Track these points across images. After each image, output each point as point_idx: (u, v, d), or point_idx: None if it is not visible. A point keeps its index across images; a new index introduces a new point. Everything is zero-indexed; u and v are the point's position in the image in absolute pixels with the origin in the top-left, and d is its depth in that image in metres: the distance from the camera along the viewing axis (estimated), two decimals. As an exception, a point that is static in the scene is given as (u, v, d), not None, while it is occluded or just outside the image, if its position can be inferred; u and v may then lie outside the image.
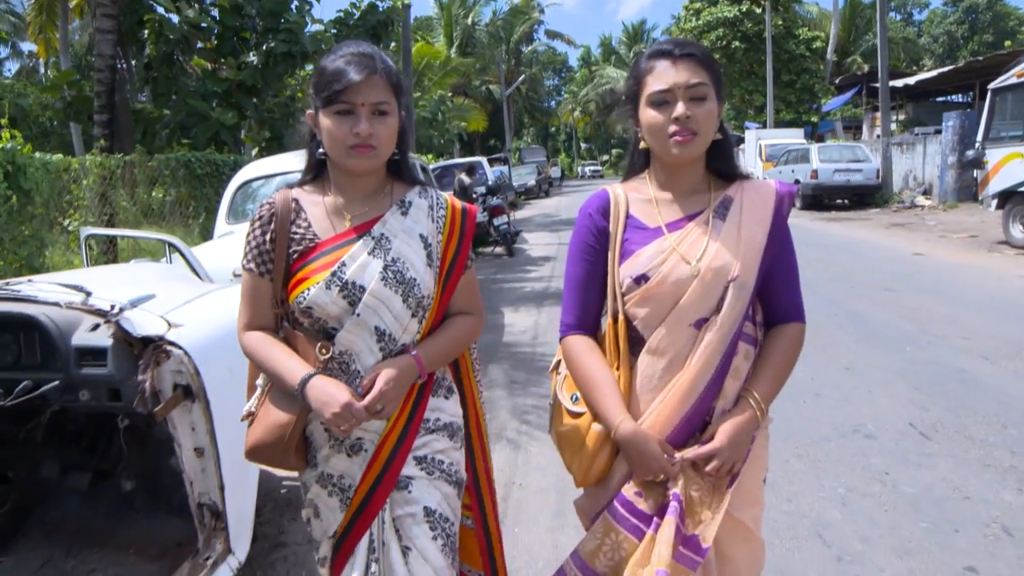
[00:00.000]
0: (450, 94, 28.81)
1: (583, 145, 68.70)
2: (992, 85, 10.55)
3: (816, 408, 4.14)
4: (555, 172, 41.88)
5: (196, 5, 9.99)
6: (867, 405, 4.17)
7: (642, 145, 1.52)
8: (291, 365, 1.44)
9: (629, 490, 1.45)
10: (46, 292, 2.24)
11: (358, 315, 1.44)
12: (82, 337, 2.09)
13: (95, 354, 2.06)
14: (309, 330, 1.49)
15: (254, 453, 1.51)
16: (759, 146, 22.25)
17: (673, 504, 1.38)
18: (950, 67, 22.76)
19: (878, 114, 20.58)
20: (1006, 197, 9.88)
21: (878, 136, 19.98)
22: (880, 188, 17.48)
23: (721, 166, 1.52)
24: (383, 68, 1.43)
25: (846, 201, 17.99)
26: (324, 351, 1.45)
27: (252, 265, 1.50)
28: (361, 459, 1.50)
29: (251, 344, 1.50)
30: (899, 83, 22.14)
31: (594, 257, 1.52)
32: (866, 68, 27.67)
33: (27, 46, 31.08)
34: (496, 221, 12.13)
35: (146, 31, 9.64)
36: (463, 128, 30.71)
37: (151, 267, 3.69)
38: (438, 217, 1.56)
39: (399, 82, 1.47)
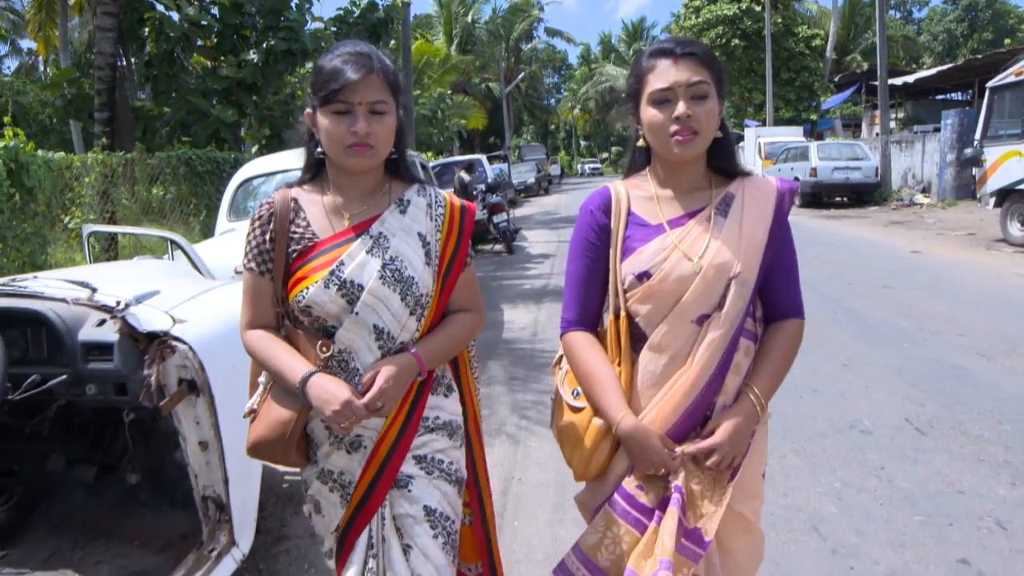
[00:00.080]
0: (450, 92, 28.84)
1: (582, 143, 68.67)
2: (990, 83, 10.55)
3: (813, 404, 4.17)
4: (554, 170, 41.80)
5: (196, 3, 10.00)
6: (864, 401, 4.20)
7: (642, 143, 1.53)
8: (292, 363, 1.46)
9: (630, 484, 1.46)
10: (52, 288, 2.27)
11: (357, 313, 1.45)
12: (89, 332, 2.12)
13: (101, 349, 2.09)
14: (309, 328, 1.50)
15: (256, 450, 1.52)
16: (758, 144, 22.22)
17: (675, 496, 1.39)
18: (949, 65, 22.75)
19: (877, 112, 20.60)
20: (1004, 195, 9.90)
21: (877, 134, 20.00)
22: (879, 186, 17.50)
23: (722, 163, 1.52)
24: (380, 67, 1.43)
25: (845, 199, 18.00)
26: (324, 349, 1.46)
27: (252, 264, 1.52)
28: (360, 456, 1.51)
29: (253, 342, 1.52)
30: (898, 81, 22.16)
31: (595, 254, 1.52)
32: (865, 66, 27.68)
33: (26, 43, 31.04)
34: (496, 219, 12.15)
35: (146, 29, 9.66)
36: (463, 126, 30.74)
37: (154, 264, 3.72)
38: (437, 215, 1.57)
39: (396, 81, 1.48)
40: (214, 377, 2.09)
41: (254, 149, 10.83)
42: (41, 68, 30.72)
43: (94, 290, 2.23)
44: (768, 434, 1.59)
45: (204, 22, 9.97)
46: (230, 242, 4.93)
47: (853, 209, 16.98)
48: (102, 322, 2.13)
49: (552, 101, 59.79)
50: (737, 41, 31.70)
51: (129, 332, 2.09)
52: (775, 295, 1.52)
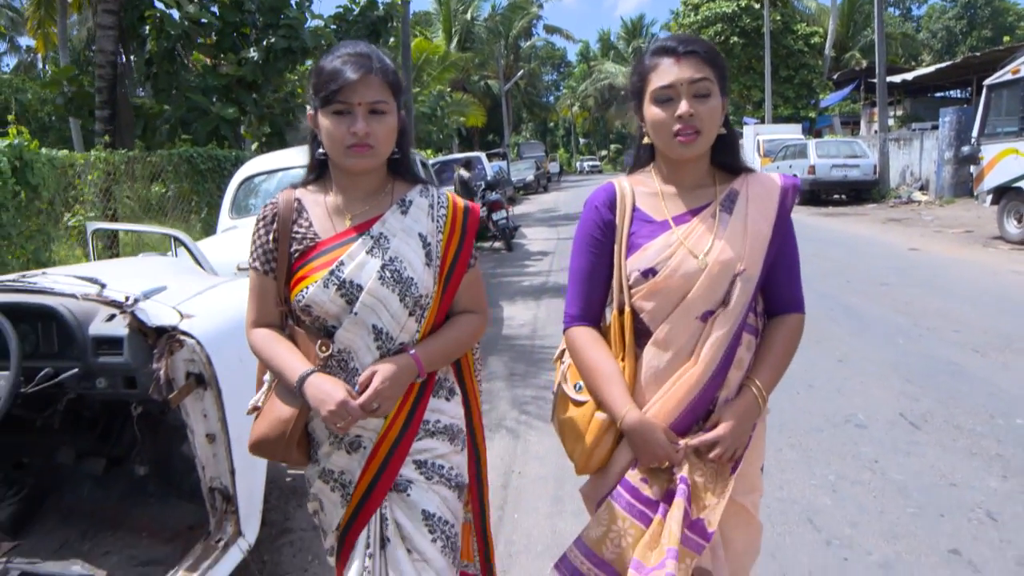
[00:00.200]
0: (449, 89, 28.79)
1: (582, 140, 68.57)
2: (988, 81, 10.57)
3: (809, 399, 4.22)
4: (553, 167, 41.81)
5: (197, 1, 10.02)
6: (859, 396, 4.25)
7: (646, 140, 1.53)
8: (292, 362, 1.47)
9: (635, 477, 1.47)
10: (62, 284, 2.31)
11: (356, 314, 1.46)
12: (99, 327, 2.16)
13: (111, 343, 2.14)
14: (310, 328, 1.51)
15: (258, 447, 1.54)
16: (757, 141, 22.24)
17: (681, 487, 1.41)
18: (948, 63, 22.79)
19: (876, 109, 20.63)
20: (1001, 193, 9.94)
21: (875, 132, 20.03)
22: (877, 183, 17.54)
23: (726, 159, 1.53)
24: (380, 67, 1.43)
25: (843, 196, 18.02)
26: (324, 349, 1.47)
27: (257, 264, 1.53)
28: (360, 456, 1.52)
29: (257, 341, 1.54)
30: (897, 79, 22.22)
31: (599, 250, 1.53)
32: (864, 64, 27.72)
33: (25, 41, 31.02)
34: (495, 216, 12.19)
35: (147, 27, 9.67)
36: (462, 123, 30.72)
37: (160, 260, 3.77)
38: (438, 216, 1.56)
39: (397, 81, 1.48)
40: (221, 371, 2.13)
41: (254, 147, 10.86)
42: (40, 65, 30.70)
43: (103, 286, 2.27)
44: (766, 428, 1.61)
45: (204, 20, 9.98)
46: (232, 239, 4.97)
47: (851, 206, 17.02)
48: (112, 317, 2.17)
49: (551, 98, 59.73)
50: (736, 38, 31.67)
51: (138, 327, 2.12)
52: (777, 290, 1.53)
